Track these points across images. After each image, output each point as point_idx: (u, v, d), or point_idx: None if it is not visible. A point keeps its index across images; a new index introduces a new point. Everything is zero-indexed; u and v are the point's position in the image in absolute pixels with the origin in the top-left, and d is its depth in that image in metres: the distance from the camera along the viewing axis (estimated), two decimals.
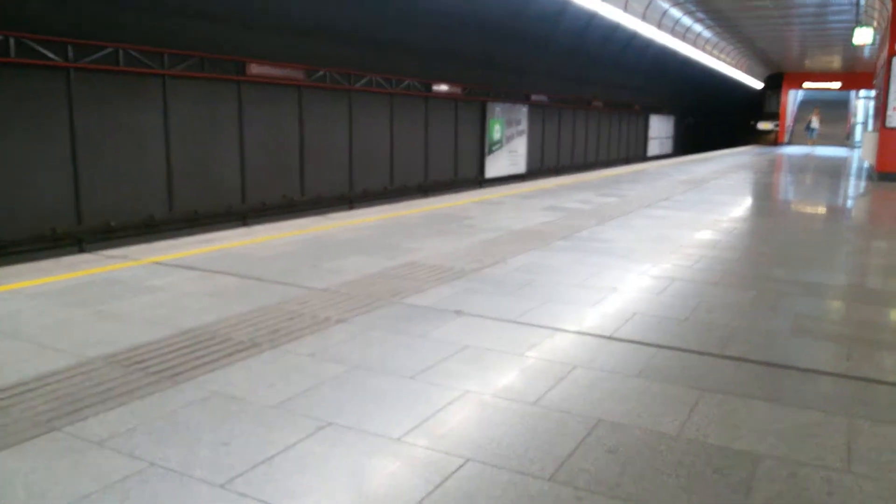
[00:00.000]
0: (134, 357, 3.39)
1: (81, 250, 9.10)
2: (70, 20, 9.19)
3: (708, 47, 29.61)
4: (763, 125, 42.55)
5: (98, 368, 3.23)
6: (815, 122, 32.00)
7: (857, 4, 20.50)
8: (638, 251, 6.53)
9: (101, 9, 9.54)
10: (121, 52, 9.87)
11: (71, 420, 2.71)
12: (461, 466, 2.44)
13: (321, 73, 13.62)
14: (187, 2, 10.59)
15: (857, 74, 38.80)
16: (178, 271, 5.22)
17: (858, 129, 41.17)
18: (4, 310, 4.13)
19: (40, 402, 2.87)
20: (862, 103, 41.38)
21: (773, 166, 21.40)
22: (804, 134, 36.45)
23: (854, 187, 15.48)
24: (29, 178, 9.01)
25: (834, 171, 19.61)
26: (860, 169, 20.52)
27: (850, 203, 12.50)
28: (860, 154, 26.79)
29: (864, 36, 20.54)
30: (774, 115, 42.59)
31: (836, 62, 36.12)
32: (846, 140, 40.48)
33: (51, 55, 9.04)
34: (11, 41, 8.58)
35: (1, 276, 4.91)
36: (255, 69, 12.09)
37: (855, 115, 42.91)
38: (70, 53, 9.25)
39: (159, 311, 4.18)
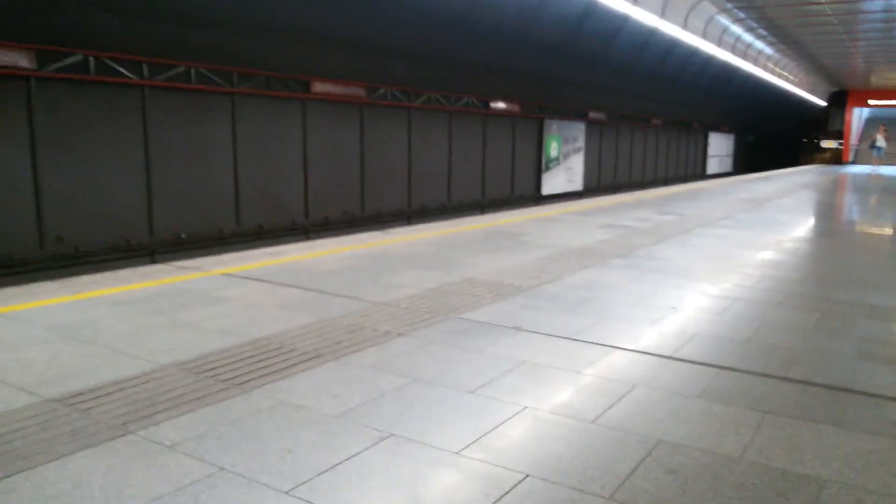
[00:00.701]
0: (205, 365, 3.52)
1: (153, 261, 9.46)
2: (145, 39, 9.61)
3: (770, 64, 29.02)
4: (827, 143, 41.35)
5: (171, 375, 3.37)
6: (881, 141, 30.57)
7: None
8: (698, 270, 6.45)
9: (174, 28, 9.95)
10: (192, 70, 10.26)
11: (145, 424, 2.84)
12: (521, 482, 2.47)
13: (382, 90, 13.86)
14: (255, 20, 10.94)
15: None
16: (246, 283, 5.39)
17: None
18: (84, 317, 4.34)
19: (116, 405, 3.01)
20: None
21: (836, 186, 20.79)
22: (869, 153, 35.22)
23: None
24: (105, 191, 9.42)
25: None
26: None
27: None
28: None
29: None
30: (838, 134, 41.38)
31: None
32: None
33: (127, 73, 9.46)
34: (91, 60, 9.01)
35: (80, 285, 5.16)
36: (318, 87, 12.39)
37: None
38: (145, 71, 9.66)
39: (228, 320, 4.33)
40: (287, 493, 2.36)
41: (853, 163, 39.53)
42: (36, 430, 2.76)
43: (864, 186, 20.86)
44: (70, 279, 5.39)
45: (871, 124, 43.51)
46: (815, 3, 18.40)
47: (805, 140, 43.68)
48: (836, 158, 40.14)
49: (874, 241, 9.88)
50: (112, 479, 2.42)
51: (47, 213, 8.77)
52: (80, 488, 2.35)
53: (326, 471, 2.51)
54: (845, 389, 3.45)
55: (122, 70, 9.39)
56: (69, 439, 2.69)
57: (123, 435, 2.74)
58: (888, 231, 10.83)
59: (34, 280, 5.70)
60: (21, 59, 8.30)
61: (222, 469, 2.50)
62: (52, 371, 3.39)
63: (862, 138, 41.95)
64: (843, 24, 21.18)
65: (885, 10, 19.55)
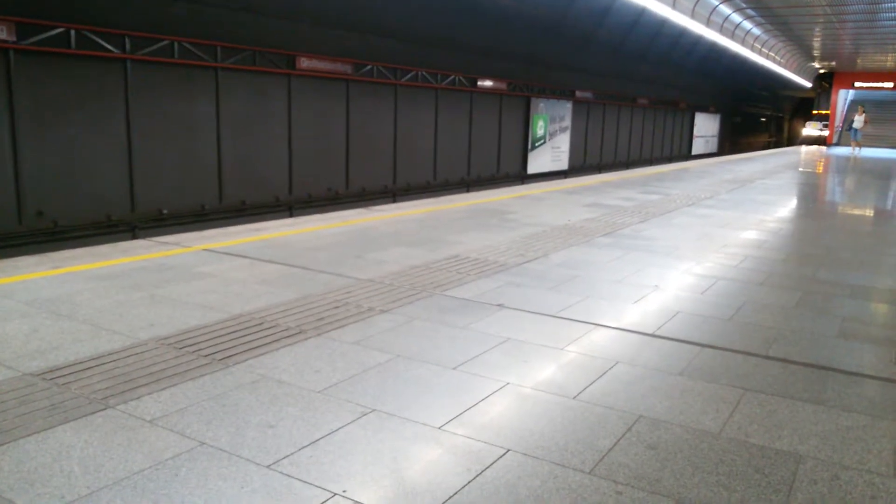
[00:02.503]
0: (186, 340, 3.50)
1: (135, 237, 9.38)
2: (128, 13, 9.44)
3: (757, 45, 29.00)
4: (812, 125, 41.54)
5: (151, 350, 3.35)
6: (857, 122, 28.88)
7: None
8: (681, 249, 6.47)
9: (157, 2, 9.78)
10: (176, 44, 10.11)
11: (125, 399, 2.82)
12: (501, 456, 2.48)
13: (368, 67, 13.74)
14: None
15: None
16: (228, 259, 5.35)
17: None
18: (63, 291, 4.29)
19: (96, 380, 2.99)
20: None
21: (820, 167, 20.91)
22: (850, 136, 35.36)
23: None
24: (86, 166, 9.30)
25: (883, 174, 19.07)
26: None
27: None
28: None
29: None
30: (824, 116, 41.60)
31: (889, 61, 35.03)
32: None
33: (109, 46, 9.30)
34: (72, 33, 8.85)
35: (60, 260, 5.10)
36: (304, 63, 12.26)
37: None
38: (127, 45, 9.51)
39: (210, 296, 4.30)
40: (268, 467, 2.36)
41: (837, 144, 39.77)
42: (14, 405, 2.73)
43: (844, 168, 20.99)
44: (50, 254, 5.33)
45: (853, 106, 43.74)
46: None
47: (792, 122, 43.89)
48: (821, 140, 40.34)
49: (855, 221, 9.96)
50: (91, 452, 2.40)
51: (27, 188, 8.66)
52: (60, 462, 2.34)
53: (308, 445, 2.51)
54: (825, 367, 3.48)
55: (103, 43, 9.24)
56: (48, 414, 2.67)
57: (103, 409, 2.72)
58: (868, 212, 10.92)
59: (14, 255, 5.62)
60: (0, 32, 8.14)
61: (203, 443, 2.49)
62: (31, 345, 3.36)
63: (844, 120, 42.16)
64: (831, 4, 21.19)
65: None
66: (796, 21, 24.94)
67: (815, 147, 36.34)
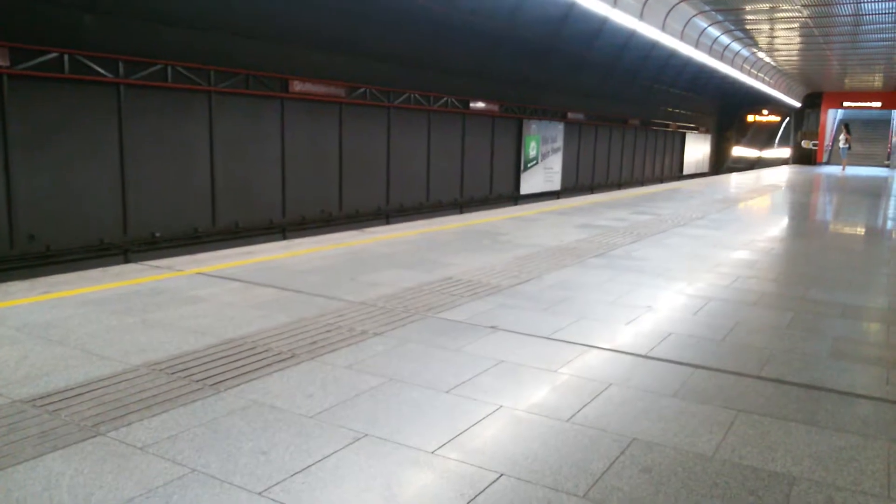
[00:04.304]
0: (177, 365, 3.48)
1: (127, 260, 9.35)
2: (121, 38, 9.49)
3: (746, 66, 29.29)
4: (804, 144, 41.81)
5: (143, 375, 3.33)
6: (842, 142, 32.47)
7: None
8: (673, 270, 6.49)
9: (150, 27, 9.84)
10: (169, 68, 10.15)
11: (116, 425, 2.80)
12: (495, 481, 2.47)
13: (361, 90, 13.81)
14: (233, 20, 10.86)
15: None
16: (221, 282, 5.34)
17: None
18: (54, 317, 4.27)
19: (87, 407, 2.97)
20: None
21: (810, 186, 21.05)
22: (839, 154, 35.84)
23: (894, 208, 15.17)
24: (79, 190, 9.29)
25: (873, 192, 19.22)
26: None
27: (889, 224, 12.24)
28: None
29: None
30: (813, 135, 41.85)
31: (877, 81, 35.42)
32: (887, 160, 39.62)
33: (102, 71, 9.33)
34: (66, 58, 8.89)
35: (51, 284, 5.08)
36: (297, 86, 12.32)
37: None
38: (121, 70, 9.54)
39: (202, 320, 4.29)
40: (260, 494, 2.34)
41: (827, 163, 40.07)
42: (4, 432, 2.71)
43: (835, 186, 21.14)
44: (42, 279, 5.31)
45: (842, 126, 44.11)
46: (791, 7, 18.63)
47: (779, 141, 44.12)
48: (810, 159, 40.59)
49: (846, 240, 10.02)
50: (82, 481, 2.38)
51: (19, 212, 8.63)
52: (50, 491, 2.32)
53: (300, 472, 2.49)
54: (818, 388, 3.49)
55: (97, 68, 9.27)
56: (38, 441, 2.65)
57: (94, 436, 2.70)
58: (860, 230, 10.99)
59: (5, 280, 5.60)
60: None
61: (194, 470, 2.48)
62: (21, 372, 3.34)
63: (835, 140, 42.53)
64: (818, 26, 21.46)
65: (853, 15, 19.85)
66: (784, 42, 25.24)
67: (805, 166, 36.57)
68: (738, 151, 42.38)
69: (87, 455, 2.56)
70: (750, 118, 38.49)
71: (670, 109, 30.65)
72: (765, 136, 42.69)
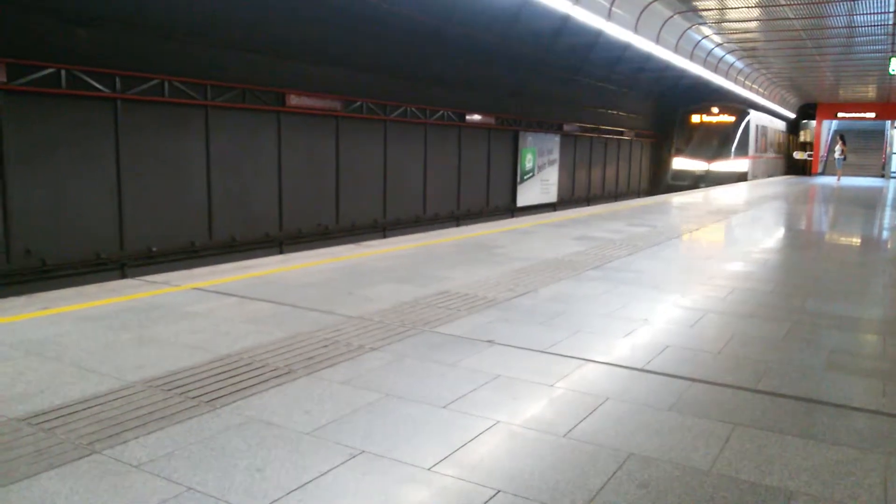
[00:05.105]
0: (173, 382, 3.48)
1: (124, 275, 9.33)
2: (118, 53, 9.52)
3: (741, 78, 29.45)
4: (798, 155, 41.97)
5: (139, 392, 3.32)
6: (837, 152, 33.02)
7: (894, 34, 20.32)
8: (669, 282, 6.50)
9: (147, 42, 9.87)
10: (166, 83, 10.18)
11: (111, 443, 2.79)
12: (492, 497, 2.46)
13: (358, 103, 13.86)
14: (230, 35, 10.90)
15: (892, 104, 38.22)
16: (217, 297, 5.34)
17: (894, 160, 40.57)
18: (50, 333, 4.27)
19: (82, 424, 2.96)
20: None
21: (805, 197, 21.13)
22: (835, 164, 36.08)
23: (890, 218, 15.22)
24: (75, 205, 9.28)
25: (868, 202, 19.29)
26: None
27: (885, 234, 12.28)
28: None
29: None
30: (808, 146, 42.01)
31: (871, 92, 35.65)
32: (881, 171, 39.85)
33: (99, 86, 9.35)
34: (63, 73, 8.91)
35: (47, 300, 5.07)
36: (294, 100, 12.36)
37: (891, 146, 42.23)
38: (118, 85, 9.56)
39: (198, 336, 4.28)
40: None
41: (822, 174, 40.24)
42: None
43: (829, 197, 21.22)
44: (38, 294, 5.30)
45: (837, 136, 44.34)
46: (785, 19, 18.77)
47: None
48: (805, 169, 40.77)
49: (842, 251, 10.05)
50: (77, 500, 2.37)
51: (15, 227, 8.62)
52: None
53: (296, 489, 2.48)
54: (814, 401, 3.49)
55: (94, 83, 9.29)
56: (33, 460, 2.64)
57: (89, 455, 2.69)
58: (856, 241, 11.02)
59: (1, 295, 5.59)
60: None
61: (190, 489, 2.47)
62: (16, 389, 3.33)
63: (830, 150, 42.76)
64: (811, 38, 21.61)
65: (847, 27, 20.02)
66: (778, 54, 25.39)
67: (799, 176, 36.69)
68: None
69: (83, 474, 2.55)
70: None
71: (665, 121, 30.69)
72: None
